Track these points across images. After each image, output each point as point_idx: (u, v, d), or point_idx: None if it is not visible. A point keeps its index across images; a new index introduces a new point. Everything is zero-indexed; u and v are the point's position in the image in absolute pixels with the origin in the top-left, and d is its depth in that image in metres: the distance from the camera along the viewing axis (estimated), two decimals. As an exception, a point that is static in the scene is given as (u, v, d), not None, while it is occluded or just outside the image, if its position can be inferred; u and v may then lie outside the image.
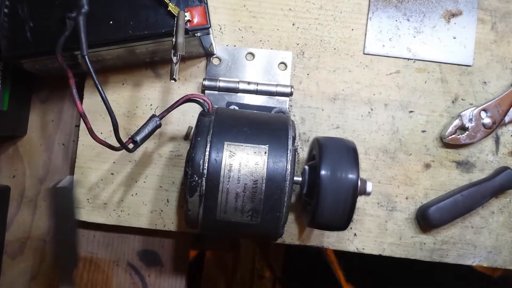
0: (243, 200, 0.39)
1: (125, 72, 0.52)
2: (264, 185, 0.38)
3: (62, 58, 0.40)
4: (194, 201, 0.39)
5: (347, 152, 0.42)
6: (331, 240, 0.51)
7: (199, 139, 0.39)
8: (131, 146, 0.42)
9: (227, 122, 0.41)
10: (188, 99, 0.43)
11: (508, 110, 0.51)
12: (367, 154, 0.51)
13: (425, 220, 0.49)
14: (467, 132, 0.50)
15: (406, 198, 0.51)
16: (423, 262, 0.52)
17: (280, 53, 0.52)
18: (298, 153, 0.51)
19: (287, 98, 0.51)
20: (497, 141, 0.52)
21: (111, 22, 0.42)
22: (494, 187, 0.50)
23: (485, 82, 0.52)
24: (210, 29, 0.44)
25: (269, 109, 0.50)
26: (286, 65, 0.52)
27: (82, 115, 0.39)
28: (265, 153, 0.39)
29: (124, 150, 0.41)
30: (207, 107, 0.43)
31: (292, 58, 0.52)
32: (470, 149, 0.52)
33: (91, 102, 0.52)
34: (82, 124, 0.52)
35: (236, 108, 0.50)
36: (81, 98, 0.52)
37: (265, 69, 0.51)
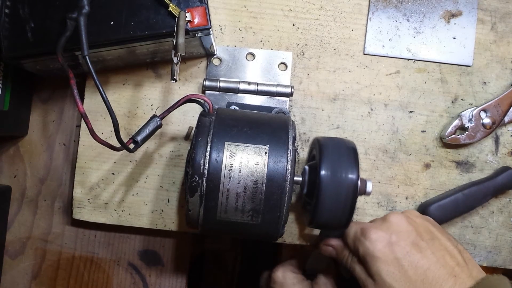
0: (244, 200, 0.39)
1: (125, 72, 0.52)
2: (264, 185, 0.38)
3: (63, 59, 0.40)
4: (195, 201, 0.39)
5: (347, 152, 0.42)
6: (331, 240, 0.51)
7: (199, 139, 0.39)
8: (131, 146, 0.42)
9: (227, 122, 0.41)
10: (188, 100, 0.43)
11: (507, 110, 0.51)
12: (367, 154, 0.51)
13: (425, 220, 0.49)
14: (466, 132, 0.50)
15: (406, 198, 0.51)
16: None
17: (280, 53, 0.52)
18: (298, 153, 0.51)
19: (287, 98, 0.51)
20: (496, 141, 0.52)
21: (111, 23, 0.42)
22: (496, 187, 0.50)
23: (484, 82, 0.52)
24: (210, 29, 0.44)
25: (269, 109, 0.50)
26: (286, 66, 0.52)
27: (83, 115, 0.39)
28: (266, 153, 0.39)
29: (124, 150, 0.42)
30: (208, 108, 0.43)
31: (292, 59, 0.52)
32: (470, 149, 0.52)
33: (92, 102, 0.52)
34: (83, 124, 0.52)
35: (237, 108, 0.50)
36: (82, 99, 0.52)
37: (266, 70, 0.52)
